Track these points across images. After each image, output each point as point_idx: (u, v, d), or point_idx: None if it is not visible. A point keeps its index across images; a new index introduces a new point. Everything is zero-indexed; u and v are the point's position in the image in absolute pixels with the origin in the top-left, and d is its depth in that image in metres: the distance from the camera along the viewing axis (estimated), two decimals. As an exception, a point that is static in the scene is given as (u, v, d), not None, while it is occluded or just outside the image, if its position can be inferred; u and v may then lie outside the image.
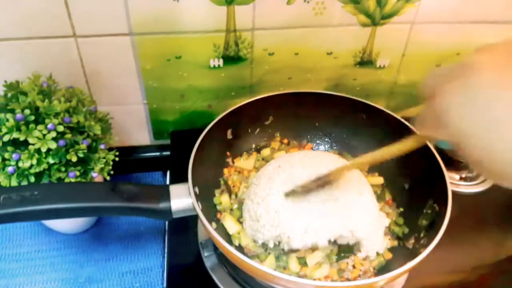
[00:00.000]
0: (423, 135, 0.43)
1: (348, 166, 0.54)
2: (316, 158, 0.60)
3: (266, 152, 0.68)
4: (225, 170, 0.65)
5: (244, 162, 0.66)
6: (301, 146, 0.70)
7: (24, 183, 0.52)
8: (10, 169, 0.51)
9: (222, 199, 0.61)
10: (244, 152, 0.68)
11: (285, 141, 0.70)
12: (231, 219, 0.57)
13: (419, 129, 0.41)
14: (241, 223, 0.58)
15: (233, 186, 0.63)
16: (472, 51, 0.34)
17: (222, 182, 0.63)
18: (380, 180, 0.64)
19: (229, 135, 0.65)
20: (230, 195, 0.62)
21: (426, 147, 0.57)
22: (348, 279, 0.53)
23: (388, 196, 0.62)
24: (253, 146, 0.69)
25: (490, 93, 0.31)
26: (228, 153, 0.65)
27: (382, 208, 0.60)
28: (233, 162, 0.66)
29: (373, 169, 0.66)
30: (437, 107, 0.35)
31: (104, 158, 0.57)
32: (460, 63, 0.34)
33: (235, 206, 0.60)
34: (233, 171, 0.65)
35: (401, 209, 0.60)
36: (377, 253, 0.55)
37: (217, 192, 0.62)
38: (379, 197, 0.61)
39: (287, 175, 0.56)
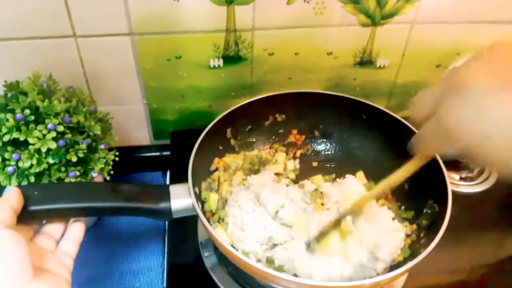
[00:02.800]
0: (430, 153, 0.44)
1: (366, 198, 0.52)
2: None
3: (254, 153, 0.67)
4: (216, 160, 0.63)
5: (232, 158, 0.64)
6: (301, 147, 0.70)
7: (24, 183, 0.52)
8: (10, 169, 0.51)
9: (211, 198, 0.58)
10: (232, 150, 0.66)
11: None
12: (223, 230, 0.56)
13: (425, 148, 0.42)
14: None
15: (218, 178, 0.62)
16: (451, 67, 0.36)
17: (210, 179, 0.61)
18: (380, 180, 0.64)
19: (228, 134, 0.65)
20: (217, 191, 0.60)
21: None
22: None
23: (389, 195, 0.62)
24: (248, 143, 0.67)
25: (491, 99, 0.32)
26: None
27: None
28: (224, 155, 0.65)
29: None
30: (443, 124, 0.36)
31: (104, 158, 0.57)
32: (449, 81, 0.35)
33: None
34: (221, 164, 0.64)
35: (402, 207, 0.60)
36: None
37: (204, 184, 0.59)
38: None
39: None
